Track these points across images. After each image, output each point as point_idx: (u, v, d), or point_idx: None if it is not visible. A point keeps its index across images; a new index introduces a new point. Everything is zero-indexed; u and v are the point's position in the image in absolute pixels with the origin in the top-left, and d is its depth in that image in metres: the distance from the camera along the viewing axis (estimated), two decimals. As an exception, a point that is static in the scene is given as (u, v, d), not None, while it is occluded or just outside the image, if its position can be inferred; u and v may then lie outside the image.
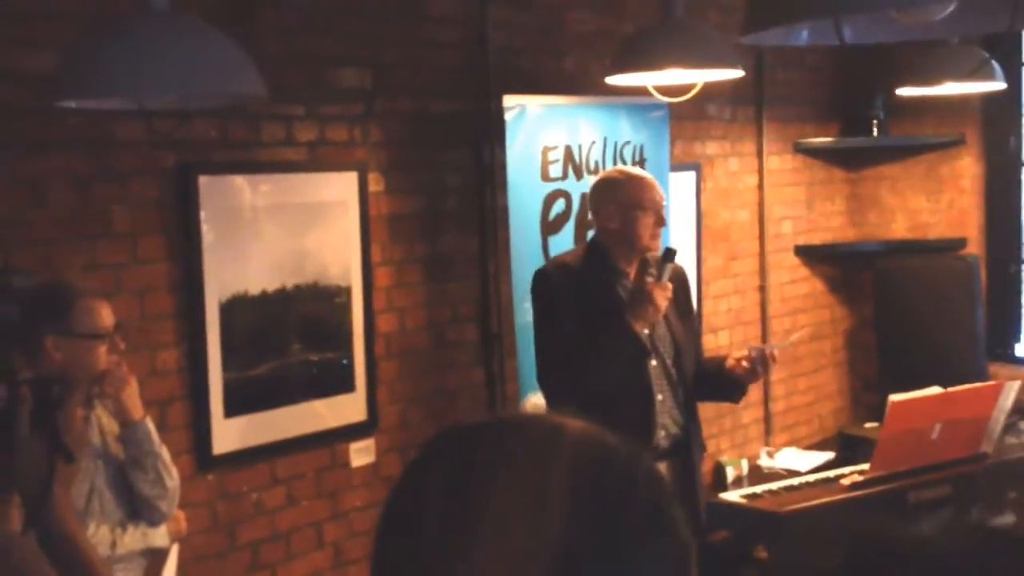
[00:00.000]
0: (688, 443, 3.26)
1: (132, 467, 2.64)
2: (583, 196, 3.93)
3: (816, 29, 1.65)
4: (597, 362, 3.07)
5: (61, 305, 2.56)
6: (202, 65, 2.25)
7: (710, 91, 4.84)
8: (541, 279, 3.25)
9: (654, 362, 3.19)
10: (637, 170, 3.42)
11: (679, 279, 3.31)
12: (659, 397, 3.19)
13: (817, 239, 5.77)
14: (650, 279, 3.16)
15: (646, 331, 3.16)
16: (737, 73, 3.47)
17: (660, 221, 3.19)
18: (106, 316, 2.61)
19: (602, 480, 0.85)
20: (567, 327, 3.13)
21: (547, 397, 3.27)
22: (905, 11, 1.49)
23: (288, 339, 3.48)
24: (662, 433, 3.21)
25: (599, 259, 3.23)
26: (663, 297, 3.08)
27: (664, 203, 3.22)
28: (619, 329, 3.06)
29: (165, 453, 2.68)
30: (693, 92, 3.69)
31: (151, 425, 2.65)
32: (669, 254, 3.17)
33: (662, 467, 3.18)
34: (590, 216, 3.39)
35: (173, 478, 2.69)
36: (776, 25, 1.56)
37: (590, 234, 3.96)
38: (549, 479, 0.83)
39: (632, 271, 3.24)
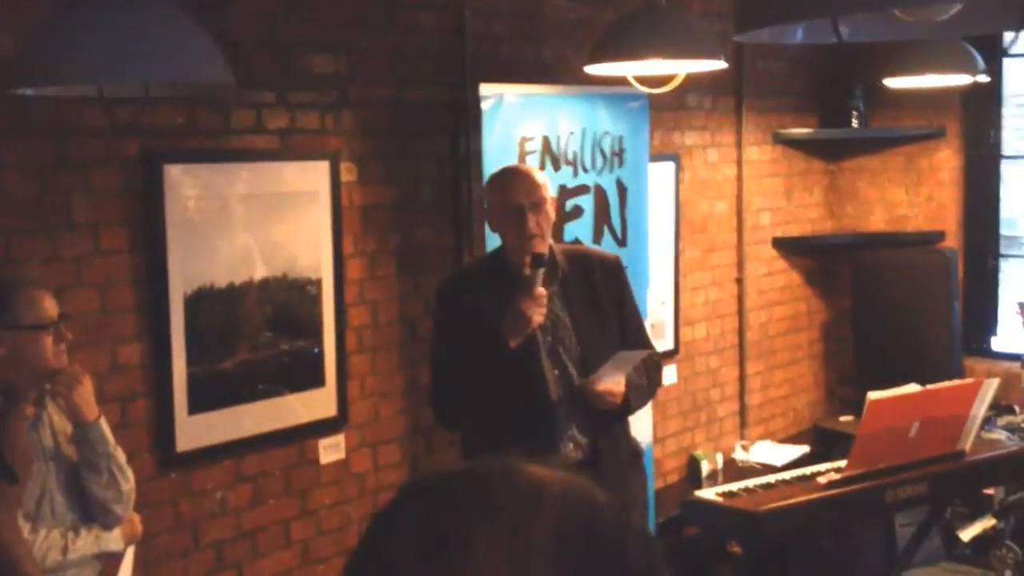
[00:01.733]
0: (599, 452, 3.00)
1: (85, 469, 2.54)
2: (561, 188, 3.85)
3: (812, 27, 1.57)
4: (475, 381, 2.90)
5: (1, 297, 2.47)
6: (166, 52, 2.15)
7: (689, 81, 4.75)
8: (436, 292, 3.12)
9: (556, 371, 2.96)
10: (506, 167, 3.14)
11: (606, 271, 3.07)
12: (561, 408, 2.95)
13: (795, 231, 5.72)
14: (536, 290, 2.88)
15: (549, 338, 2.95)
16: (719, 65, 3.39)
17: (523, 221, 2.87)
18: (49, 306, 2.52)
19: (589, 548, 0.77)
20: (450, 344, 2.98)
21: (438, 418, 3.13)
22: (910, 11, 1.41)
23: (256, 333, 3.39)
24: (570, 446, 2.98)
25: (497, 265, 3.03)
26: (532, 308, 2.81)
27: (536, 199, 2.89)
28: (494, 346, 2.83)
29: (120, 455, 2.59)
30: (674, 83, 3.61)
31: (105, 426, 2.55)
32: (535, 260, 2.87)
33: None
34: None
35: (128, 480, 2.60)
36: (771, 24, 1.48)
37: (566, 227, 3.91)
38: (530, 545, 0.76)
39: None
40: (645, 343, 3.20)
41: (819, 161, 5.84)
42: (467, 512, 0.78)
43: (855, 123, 5.55)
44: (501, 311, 2.85)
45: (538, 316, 2.85)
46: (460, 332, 2.95)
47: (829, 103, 5.65)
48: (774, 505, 3.70)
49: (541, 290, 2.85)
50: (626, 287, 3.17)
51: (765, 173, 5.52)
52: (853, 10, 1.40)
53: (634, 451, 3.21)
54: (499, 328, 2.83)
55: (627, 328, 3.13)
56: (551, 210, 2.96)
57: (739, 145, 5.32)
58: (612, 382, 2.92)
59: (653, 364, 3.17)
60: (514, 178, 2.99)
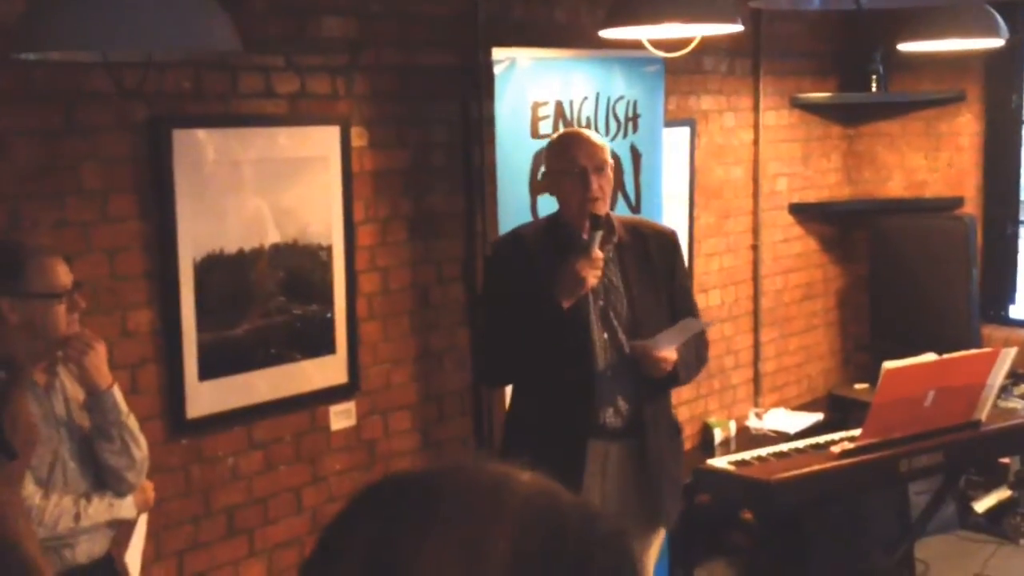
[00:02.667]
0: (643, 423, 3.02)
1: (98, 437, 2.53)
2: (574, 154, 3.80)
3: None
4: (523, 339, 2.91)
5: (13, 265, 2.44)
6: (170, 18, 2.12)
7: (706, 44, 4.68)
8: (491, 253, 3.13)
9: (606, 335, 2.97)
10: (568, 130, 3.17)
11: (662, 243, 3.09)
12: (607, 373, 2.96)
13: (812, 197, 5.65)
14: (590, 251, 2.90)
15: (600, 302, 2.97)
16: (736, 28, 3.33)
17: (586, 183, 2.88)
18: (62, 274, 2.49)
19: (551, 558, 0.73)
20: (501, 301, 2.99)
21: (480, 376, 3.17)
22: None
23: (266, 299, 3.37)
24: (610, 411, 2.99)
25: (556, 228, 3.02)
26: (587, 270, 2.83)
27: (599, 162, 2.91)
28: (546, 305, 2.85)
29: (133, 422, 2.57)
30: (690, 47, 3.55)
31: (118, 393, 2.54)
32: (595, 222, 2.89)
33: (614, 449, 3.01)
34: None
35: (141, 448, 2.59)
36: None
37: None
38: (485, 557, 0.71)
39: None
40: (697, 318, 3.20)
41: (837, 126, 5.76)
42: (418, 521, 0.74)
43: (874, 87, 5.47)
44: (555, 273, 2.86)
45: (592, 278, 2.86)
46: (512, 291, 2.96)
47: (848, 67, 5.56)
48: (786, 474, 3.68)
49: (598, 252, 2.87)
50: (680, 262, 3.18)
51: (782, 138, 5.45)
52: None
53: (674, 427, 3.22)
54: (552, 288, 2.84)
55: (677, 303, 3.12)
56: (611, 174, 2.98)
57: (756, 109, 5.25)
58: (669, 350, 2.93)
59: (702, 341, 3.19)
60: (577, 140, 2.99)
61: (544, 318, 2.86)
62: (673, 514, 3.19)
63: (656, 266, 3.05)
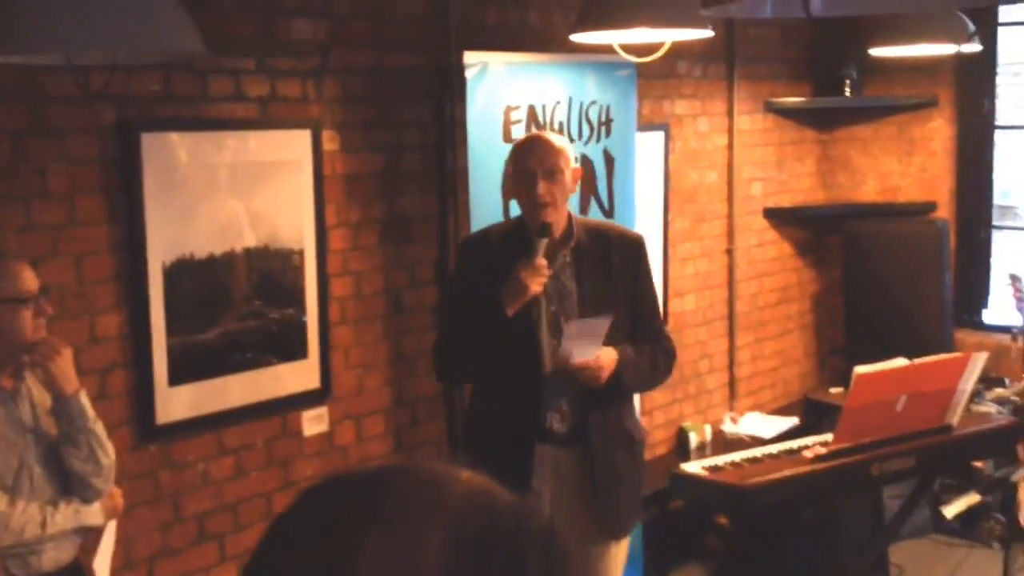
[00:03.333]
0: (588, 430, 2.96)
1: (64, 442, 2.51)
2: (546, 158, 3.79)
3: (781, 1, 1.52)
4: (475, 346, 2.93)
5: None
6: (131, 19, 2.09)
7: (680, 49, 4.70)
8: (458, 249, 3.14)
9: (556, 341, 2.92)
10: (530, 133, 3.14)
11: (625, 248, 3.03)
12: (552, 379, 2.91)
13: (787, 201, 5.67)
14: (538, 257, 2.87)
15: (553, 307, 2.94)
16: (707, 33, 3.34)
17: (532, 186, 2.86)
18: (29, 279, 2.47)
19: (484, 555, 0.75)
20: (458, 302, 3.01)
21: (436, 373, 3.15)
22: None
23: (237, 304, 3.34)
24: (555, 416, 2.96)
25: (519, 229, 2.99)
26: (531, 278, 2.81)
27: (548, 165, 2.86)
28: (492, 312, 2.84)
29: (100, 428, 2.55)
30: (661, 52, 3.55)
31: (85, 399, 2.51)
32: (540, 229, 2.87)
33: (562, 455, 2.97)
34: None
35: (108, 455, 2.56)
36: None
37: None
38: (422, 552, 0.73)
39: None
40: (657, 328, 3.13)
41: (811, 130, 5.78)
42: (361, 517, 0.75)
43: (848, 92, 5.49)
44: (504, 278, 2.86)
45: (535, 286, 2.84)
46: (470, 291, 2.95)
47: (822, 71, 5.59)
48: (760, 479, 3.68)
49: (541, 260, 2.84)
50: (643, 268, 3.10)
51: (757, 143, 5.47)
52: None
53: (627, 436, 3.07)
54: (497, 296, 2.84)
55: (639, 309, 3.06)
56: (568, 180, 2.94)
57: (730, 114, 5.26)
58: (588, 356, 2.86)
59: (663, 351, 3.10)
60: (531, 144, 2.98)
61: (491, 323, 2.86)
62: (630, 525, 3.12)
63: (616, 271, 3.00)
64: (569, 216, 2.99)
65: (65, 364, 2.49)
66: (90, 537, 2.66)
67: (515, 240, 2.97)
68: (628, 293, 3.02)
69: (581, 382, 2.90)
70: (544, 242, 2.85)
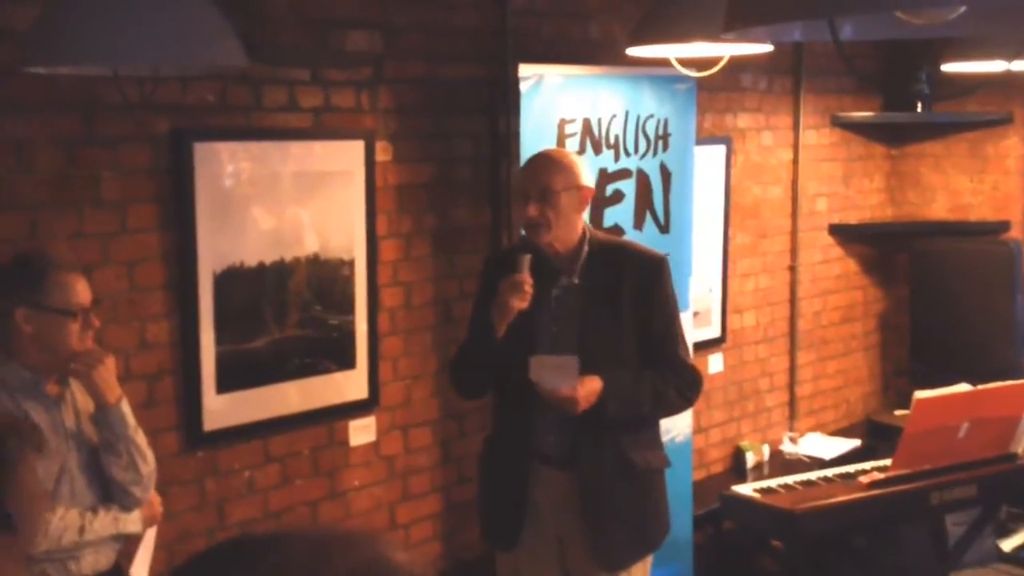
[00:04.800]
0: (580, 453, 2.88)
1: (105, 450, 2.53)
2: (601, 172, 3.76)
3: (811, 26, 1.46)
4: (471, 360, 2.99)
5: (34, 275, 2.45)
6: (174, 34, 2.11)
7: (744, 62, 4.62)
8: (482, 267, 3.18)
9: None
10: (539, 152, 3.04)
11: (642, 269, 2.91)
12: (547, 400, 2.83)
13: (853, 218, 5.55)
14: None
15: (554, 328, 2.88)
16: (766, 48, 3.27)
17: (523, 207, 2.84)
18: (82, 292, 2.48)
19: None
20: (472, 320, 3.06)
21: (451, 384, 3.19)
22: (912, 13, 1.30)
23: (286, 313, 3.36)
24: (550, 439, 2.91)
25: (530, 249, 2.91)
26: (511, 294, 2.77)
27: (541, 186, 2.81)
28: (486, 331, 2.86)
29: (140, 438, 2.57)
30: (719, 66, 3.48)
31: (127, 408, 2.53)
32: (521, 246, 2.89)
33: (561, 479, 2.91)
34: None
35: (148, 463, 2.58)
36: (762, 24, 1.38)
37: (606, 212, 3.81)
38: None
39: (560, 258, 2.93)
40: (672, 351, 2.96)
41: (880, 146, 5.65)
42: None
43: (919, 107, 5.35)
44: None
45: (517, 302, 2.80)
46: (485, 309, 2.92)
47: (892, 86, 5.45)
48: (812, 504, 3.60)
49: (522, 276, 2.80)
50: (660, 290, 2.94)
51: (823, 157, 5.36)
52: (850, 13, 1.29)
53: (627, 466, 2.91)
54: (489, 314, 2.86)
55: (653, 331, 2.93)
56: (567, 200, 2.83)
57: (796, 128, 5.16)
58: (562, 386, 2.78)
59: (678, 377, 2.95)
60: (531, 162, 2.95)
61: (484, 342, 2.88)
62: (628, 559, 2.97)
63: (626, 291, 2.88)
64: (584, 234, 2.91)
65: (108, 373, 2.51)
66: (130, 543, 2.68)
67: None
68: (638, 315, 2.90)
69: (567, 410, 2.84)
70: (527, 258, 2.81)
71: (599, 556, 2.93)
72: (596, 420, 2.85)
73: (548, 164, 2.88)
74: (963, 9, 1.23)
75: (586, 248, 2.91)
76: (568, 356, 2.80)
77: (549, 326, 2.89)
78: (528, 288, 2.79)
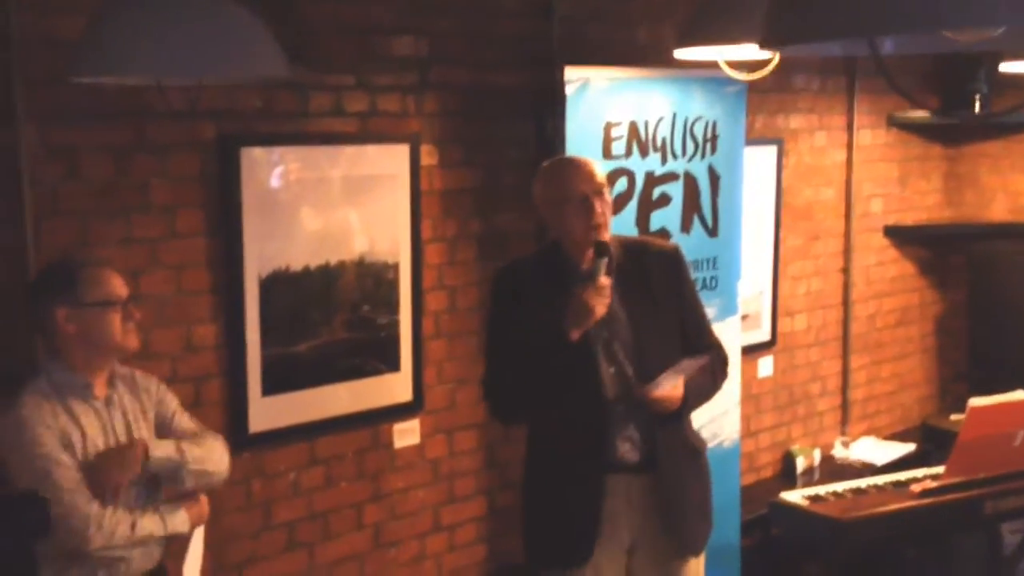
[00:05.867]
0: (657, 453, 2.89)
1: (167, 482, 2.62)
2: (647, 176, 3.73)
3: (851, 42, 1.43)
4: (531, 375, 2.80)
5: (68, 276, 2.51)
6: (217, 44, 2.14)
7: (796, 62, 4.57)
8: (493, 282, 3.03)
9: (612, 368, 2.85)
10: (564, 158, 3.06)
11: (664, 262, 2.95)
12: (618, 406, 2.84)
13: (909, 219, 5.45)
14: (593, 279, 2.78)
15: (604, 333, 2.84)
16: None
17: (589, 210, 2.79)
18: (117, 284, 2.55)
19: None
20: (506, 335, 2.90)
21: (492, 412, 3.04)
22: (954, 31, 1.27)
23: (331, 316, 3.38)
24: (627, 445, 2.88)
25: (553, 257, 2.92)
26: (595, 299, 2.72)
27: (598, 188, 2.81)
28: (553, 338, 2.74)
29: (193, 453, 2.61)
30: (768, 68, 3.44)
31: (162, 451, 2.56)
32: (599, 249, 2.78)
33: (635, 482, 2.89)
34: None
35: (217, 465, 2.67)
36: (801, 43, 1.36)
37: (652, 216, 3.79)
38: None
39: (589, 265, 2.85)
40: (705, 337, 3.03)
41: (937, 146, 5.55)
42: None
43: (977, 107, 5.24)
44: (556, 304, 2.77)
45: (601, 307, 2.76)
46: (516, 323, 2.88)
47: (950, 85, 5.34)
48: (861, 513, 3.54)
49: (605, 280, 2.76)
50: (685, 279, 3.02)
51: (878, 158, 5.27)
52: (892, 32, 1.27)
53: (693, 450, 3.02)
54: (559, 321, 2.75)
55: (686, 322, 2.98)
56: (610, 199, 2.89)
57: (850, 128, 5.09)
58: (670, 387, 2.82)
59: (718, 359, 3.02)
60: (574, 167, 2.90)
61: (552, 352, 2.76)
62: (701, 540, 3.04)
63: (658, 287, 2.92)
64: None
65: (121, 470, 2.52)
66: (178, 543, 2.73)
67: (550, 268, 2.90)
68: (673, 307, 2.95)
69: (651, 410, 2.84)
70: (605, 261, 2.78)
71: (683, 546, 2.98)
72: (673, 417, 2.89)
73: (592, 166, 2.89)
74: (1003, 29, 1.20)
75: (613, 248, 2.89)
76: (699, 358, 2.86)
77: (597, 331, 2.85)
78: (608, 292, 2.77)
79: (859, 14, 1.21)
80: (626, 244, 2.98)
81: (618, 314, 2.86)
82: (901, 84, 1.26)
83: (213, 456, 2.67)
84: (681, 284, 2.99)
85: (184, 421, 2.72)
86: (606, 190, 2.86)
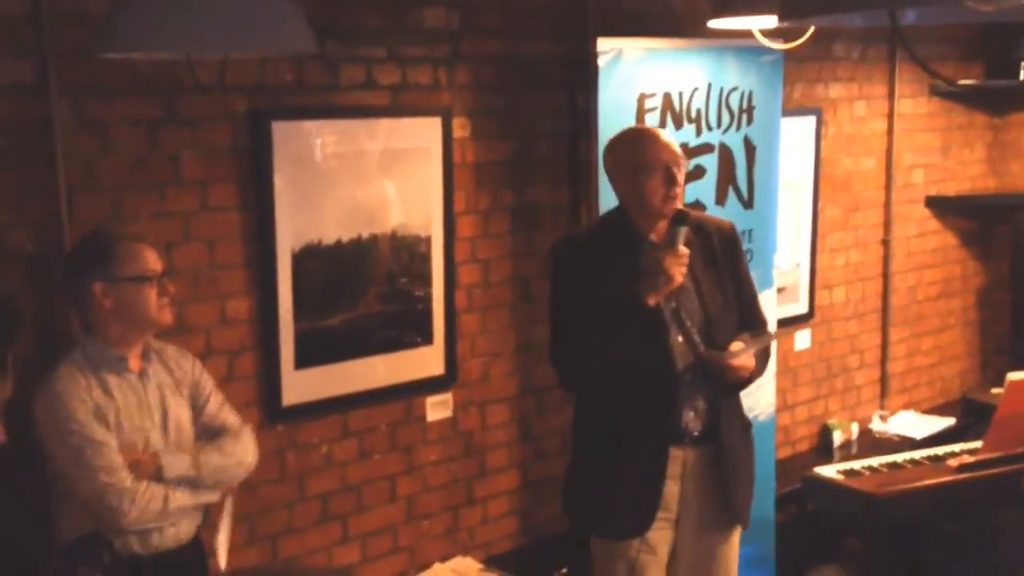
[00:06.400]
0: (719, 424, 2.94)
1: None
2: (682, 147, 3.68)
3: (872, 13, 1.40)
4: (605, 342, 2.81)
5: (104, 251, 2.53)
6: (245, 19, 2.13)
7: (836, 30, 4.49)
8: (550, 257, 3.05)
9: (680, 337, 2.88)
10: (644, 127, 3.11)
11: (723, 238, 3.00)
12: (686, 376, 2.87)
13: (952, 190, 5.36)
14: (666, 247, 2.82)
15: (672, 304, 2.87)
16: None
17: (671, 180, 2.83)
18: (152, 260, 2.57)
19: None
20: (574, 306, 2.90)
21: (566, 384, 3.05)
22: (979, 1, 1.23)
23: (364, 290, 3.39)
24: (691, 415, 2.91)
25: (619, 227, 2.93)
26: (675, 266, 2.76)
27: (678, 159, 2.86)
28: (629, 305, 2.78)
29: (211, 466, 2.64)
30: (805, 37, 3.39)
31: (175, 471, 2.58)
32: (678, 218, 2.81)
33: (693, 453, 2.92)
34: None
35: (236, 455, 2.70)
36: (820, 15, 1.33)
37: (687, 188, 3.74)
38: None
39: (657, 236, 2.90)
40: (758, 315, 3.12)
41: (982, 115, 5.44)
42: None
43: (1022, 75, 5.13)
44: (623, 274, 2.80)
45: (679, 275, 2.80)
46: (584, 294, 2.88)
47: (995, 52, 5.23)
48: (896, 488, 3.51)
49: (683, 248, 2.80)
50: (741, 256, 3.10)
51: (920, 127, 5.18)
52: (907, 3, 1.23)
53: (744, 424, 3.10)
54: (633, 287, 2.77)
55: (744, 294, 3.05)
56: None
57: (891, 97, 5.00)
58: (745, 357, 2.87)
59: (768, 335, 3.15)
60: (652, 137, 2.93)
61: (629, 319, 2.78)
62: (747, 511, 3.09)
63: (720, 262, 2.98)
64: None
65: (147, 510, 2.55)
66: (212, 513, 2.76)
67: (615, 238, 2.93)
68: (734, 282, 3.01)
69: (721, 381, 2.89)
70: (685, 230, 2.81)
71: (735, 515, 3.03)
72: (734, 389, 2.96)
73: (667, 136, 2.93)
74: None
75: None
76: (768, 335, 3.00)
77: (667, 302, 2.87)
78: (686, 260, 2.81)
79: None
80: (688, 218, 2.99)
81: (687, 285, 2.89)
82: (930, 54, 1.22)
83: (232, 461, 2.69)
84: (737, 260, 3.04)
85: (213, 409, 2.74)
86: (683, 161, 2.90)
